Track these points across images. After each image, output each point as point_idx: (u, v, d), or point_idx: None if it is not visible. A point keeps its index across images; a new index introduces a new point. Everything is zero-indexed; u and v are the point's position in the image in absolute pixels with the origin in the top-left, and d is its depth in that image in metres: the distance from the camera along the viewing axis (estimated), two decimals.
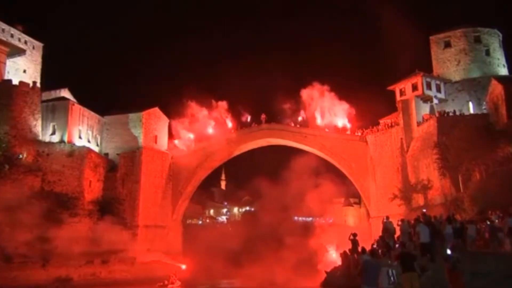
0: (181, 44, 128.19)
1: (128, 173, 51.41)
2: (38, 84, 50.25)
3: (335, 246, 44.34)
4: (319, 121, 55.18)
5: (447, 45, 48.17)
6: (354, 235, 24.93)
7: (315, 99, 54.87)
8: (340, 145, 52.59)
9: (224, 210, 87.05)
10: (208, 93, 68.64)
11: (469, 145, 32.82)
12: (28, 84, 47.45)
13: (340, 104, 53.90)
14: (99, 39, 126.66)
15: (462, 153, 33.89)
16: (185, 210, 58.84)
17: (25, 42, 54.04)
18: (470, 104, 44.71)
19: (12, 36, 52.05)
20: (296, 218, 66.52)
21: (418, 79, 45.90)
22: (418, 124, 44.32)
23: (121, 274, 43.75)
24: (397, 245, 16.50)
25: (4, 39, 50.49)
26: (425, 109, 45.90)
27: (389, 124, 49.52)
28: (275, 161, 65.29)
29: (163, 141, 56.81)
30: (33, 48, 55.09)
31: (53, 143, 47.73)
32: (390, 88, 49.06)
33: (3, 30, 51.20)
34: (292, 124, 56.20)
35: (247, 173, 63.14)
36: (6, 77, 48.78)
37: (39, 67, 55.74)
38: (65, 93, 55.28)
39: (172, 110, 58.07)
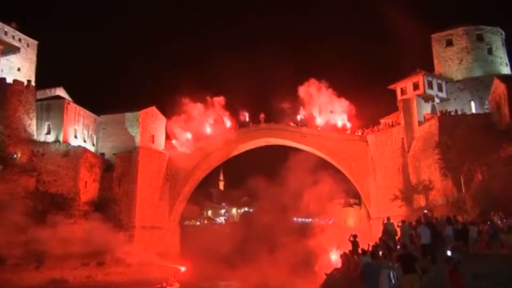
0: (178, 41, 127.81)
1: (125, 174, 51.38)
2: (33, 83, 50.27)
3: (336, 247, 44.37)
4: (318, 120, 55.09)
5: (449, 43, 48.19)
6: (355, 236, 24.88)
7: (313, 96, 54.58)
8: (340, 145, 52.61)
9: (222, 211, 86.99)
10: (205, 90, 68.62)
11: (471, 145, 32.81)
12: (23, 83, 47.40)
13: (339, 101, 53.70)
14: (95, 37, 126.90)
15: (464, 153, 33.89)
16: (182, 211, 58.82)
17: (20, 40, 53.94)
18: (472, 104, 44.80)
19: (6, 33, 51.94)
20: (295, 219, 66.52)
21: (419, 78, 45.96)
22: (420, 123, 44.38)
23: (117, 277, 43.76)
24: (398, 247, 16.52)
25: None
26: (427, 108, 45.97)
27: (390, 124, 49.56)
28: (274, 162, 65.33)
29: (160, 141, 56.78)
30: (28, 45, 54.99)
31: (48, 142, 47.71)
32: (391, 87, 49.09)
33: None
34: (291, 124, 56.14)
35: (245, 174, 63.04)
36: (0, 75, 48.69)
37: (33, 65, 55.65)
38: (61, 91, 55.21)
39: (169, 109, 58.14)
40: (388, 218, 24.25)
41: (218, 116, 57.58)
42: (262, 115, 56.82)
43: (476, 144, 32.27)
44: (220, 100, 57.29)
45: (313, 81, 54.42)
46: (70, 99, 53.41)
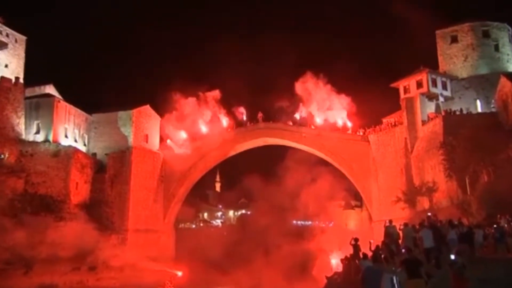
0: (170, 31, 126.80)
1: (117, 174, 51.28)
2: (21, 80, 50.04)
3: (337, 250, 44.41)
4: (318, 119, 55.05)
5: (454, 40, 48.17)
6: (356, 240, 24.83)
7: (311, 93, 54.19)
8: (340, 144, 52.66)
9: (219, 214, 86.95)
10: (200, 85, 68.05)
11: (477, 146, 32.83)
12: (11, 80, 47.24)
13: (339, 98, 53.49)
14: (85, 32, 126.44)
15: (470, 153, 33.92)
16: (177, 213, 58.79)
17: (7, 35, 53.61)
18: (478, 102, 44.85)
19: None
20: (294, 221, 66.56)
21: (423, 76, 45.98)
22: (423, 123, 44.39)
23: (109, 282, 43.68)
24: (403, 250, 16.50)
25: None
26: (431, 107, 46.00)
27: (393, 123, 49.62)
28: (272, 162, 65.25)
29: (154, 141, 56.68)
30: (16, 41, 54.70)
31: (37, 142, 47.55)
32: (394, 85, 49.09)
33: None
34: (290, 123, 56.15)
35: (243, 175, 62.90)
36: None
37: (22, 62, 55.33)
38: (50, 89, 55.04)
39: (163, 108, 57.83)
40: (390, 221, 24.20)
41: (214, 114, 57.32)
42: (260, 114, 56.85)
43: (482, 144, 32.28)
44: (215, 94, 56.78)
45: (309, 75, 53.92)
46: (60, 97, 53.26)
